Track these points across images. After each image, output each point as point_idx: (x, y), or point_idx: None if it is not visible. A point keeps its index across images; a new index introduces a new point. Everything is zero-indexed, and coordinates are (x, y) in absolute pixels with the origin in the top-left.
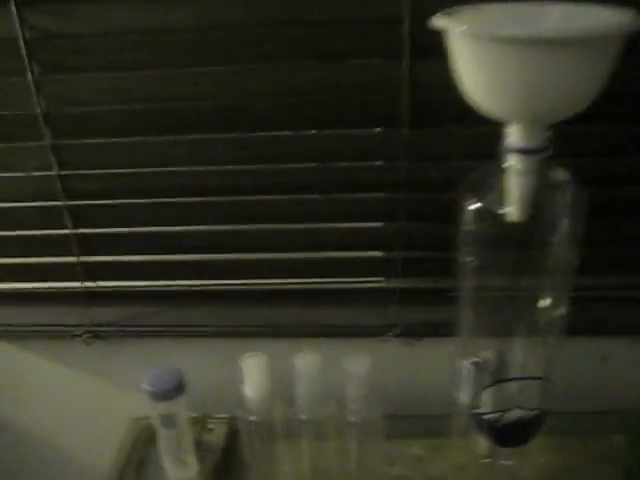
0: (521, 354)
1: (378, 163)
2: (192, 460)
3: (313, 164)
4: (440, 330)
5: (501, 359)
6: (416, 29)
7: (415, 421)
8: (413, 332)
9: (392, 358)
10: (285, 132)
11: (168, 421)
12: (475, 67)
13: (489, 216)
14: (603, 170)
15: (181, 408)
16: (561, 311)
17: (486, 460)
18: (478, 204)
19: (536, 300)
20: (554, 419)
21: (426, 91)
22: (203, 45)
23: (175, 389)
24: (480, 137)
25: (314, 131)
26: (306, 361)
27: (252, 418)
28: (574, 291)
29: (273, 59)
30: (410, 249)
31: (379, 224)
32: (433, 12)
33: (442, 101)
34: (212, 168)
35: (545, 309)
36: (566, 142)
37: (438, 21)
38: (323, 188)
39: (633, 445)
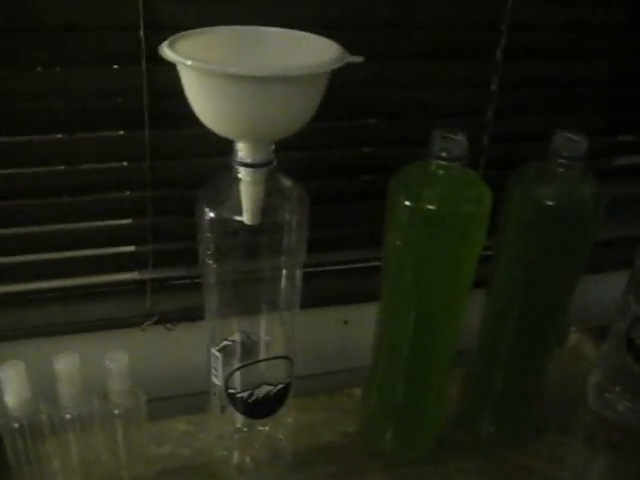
0: (267, 332)
1: (124, 164)
2: None
3: (61, 167)
4: (194, 314)
5: (250, 339)
6: (152, 36)
7: (180, 400)
8: (169, 318)
9: (154, 345)
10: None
11: None
12: (199, 94)
13: (225, 222)
14: (323, 164)
15: None
16: (298, 289)
17: (245, 428)
18: (213, 213)
19: (276, 282)
20: (305, 381)
21: (164, 95)
22: None
23: None
24: (217, 137)
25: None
26: (65, 362)
27: (15, 424)
28: (311, 267)
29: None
30: (160, 242)
31: (129, 221)
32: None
33: (179, 104)
34: None
35: (284, 289)
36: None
37: (166, 52)
38: (72, 190)
39: (366, 395)
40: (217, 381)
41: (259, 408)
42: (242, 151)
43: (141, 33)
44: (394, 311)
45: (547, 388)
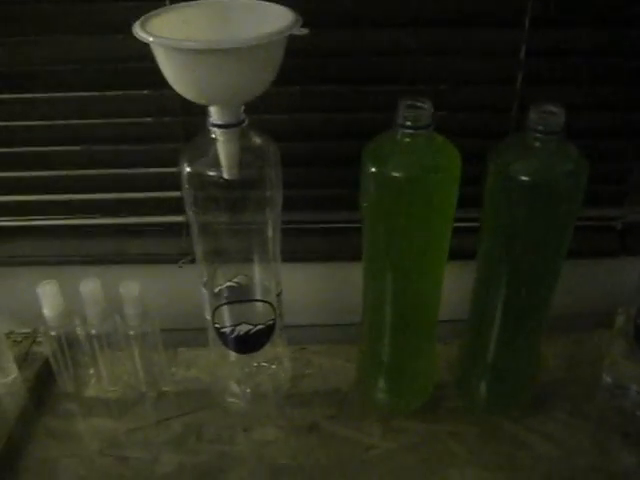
0: (253, 279)
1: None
2: (12, 367)
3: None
4: None
5: (239, 284)
6: None
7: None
8: None
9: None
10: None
11: None
12: (167, 67)
13: (201, 176)
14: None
15: None
16: (277, 241)
17: (254, 364)
18: (190, 168)
19: (256, 233)
20: (330, 330)
21: None
22: None
23: None
24: None
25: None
26: (89, 286)
27: (53, 333)
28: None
29: None
30: None
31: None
32: None
33: None
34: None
35: (264, 240)
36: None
37: (136, 31)
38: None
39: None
40: (207, 316)
41: (242, 343)
42: (214, 114)
43: None
44: (373, 273)
45: (566, 369)
